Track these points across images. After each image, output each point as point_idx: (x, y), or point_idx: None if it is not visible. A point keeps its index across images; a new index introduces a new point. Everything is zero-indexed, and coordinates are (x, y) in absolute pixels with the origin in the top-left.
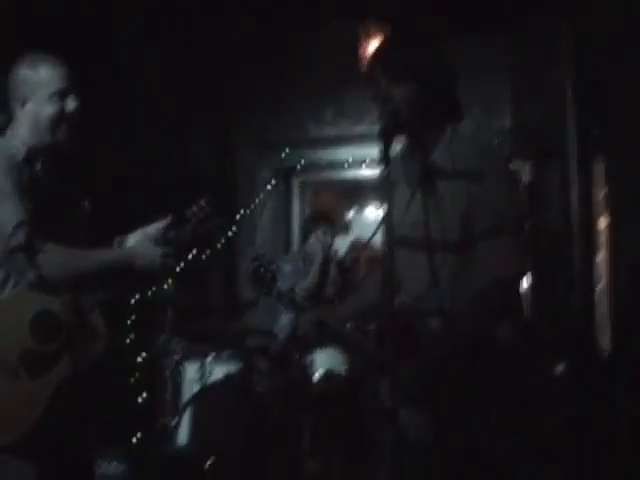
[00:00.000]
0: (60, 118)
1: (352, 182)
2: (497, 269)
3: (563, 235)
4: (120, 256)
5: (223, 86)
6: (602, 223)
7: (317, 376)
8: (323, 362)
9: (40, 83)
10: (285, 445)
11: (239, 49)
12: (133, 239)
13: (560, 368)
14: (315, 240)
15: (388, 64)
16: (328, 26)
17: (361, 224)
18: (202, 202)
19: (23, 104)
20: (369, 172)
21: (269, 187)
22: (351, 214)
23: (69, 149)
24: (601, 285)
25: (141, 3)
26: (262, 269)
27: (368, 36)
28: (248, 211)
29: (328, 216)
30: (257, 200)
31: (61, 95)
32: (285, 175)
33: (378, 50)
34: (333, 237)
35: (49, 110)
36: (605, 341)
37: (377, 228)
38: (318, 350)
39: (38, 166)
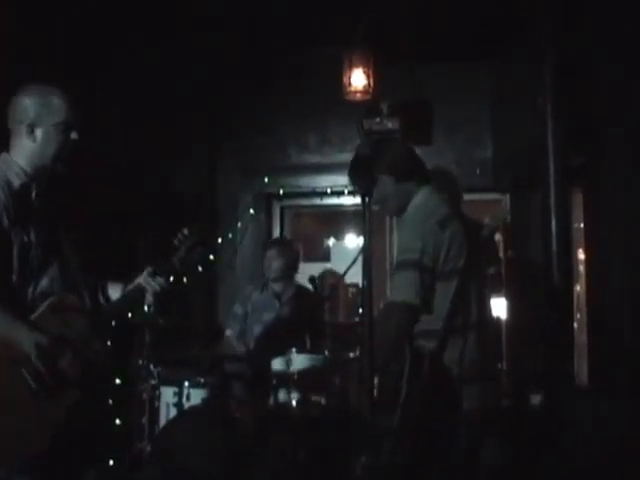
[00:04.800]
0: (65, 147)
1: (333, 210)
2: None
3: (542, 266)
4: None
5: (207, 112)
6: (581, 254)
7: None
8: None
9: (51, 112)
10: (262, 471)
11: (224, 76)
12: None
13: (538, 399)
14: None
15: None
16: (312, 54)
17: (340, 252)
18: (185, 230)
19: (32, 131)
20: (350, 200)
21: (251, 212)
22: (331, 242)
23: (63, 177)
24: (580, 316)
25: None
26: None
27: (352, 64)
28: (229, 236)
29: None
30: (238, 225)
31: (68, 125)
32: (267, 201)
33: None
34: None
35: (57, 138)
36: (583, 372)
37: (355, 258)
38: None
39: (34, 193)
